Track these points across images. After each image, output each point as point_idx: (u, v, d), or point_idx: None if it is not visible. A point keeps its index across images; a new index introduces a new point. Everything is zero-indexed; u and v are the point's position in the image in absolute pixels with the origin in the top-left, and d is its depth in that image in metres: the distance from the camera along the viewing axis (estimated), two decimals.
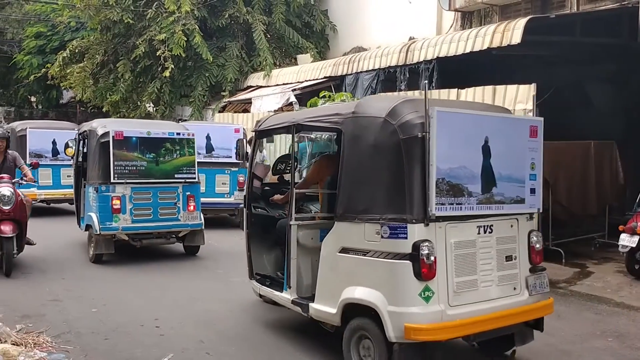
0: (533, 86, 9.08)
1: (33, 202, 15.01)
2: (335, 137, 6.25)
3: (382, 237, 4.56)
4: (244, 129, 13.11)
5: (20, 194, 8.27)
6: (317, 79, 15.06)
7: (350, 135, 4.98)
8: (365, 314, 4.69)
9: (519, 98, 9.27)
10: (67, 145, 12.55)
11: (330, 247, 5.04)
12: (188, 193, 9.40)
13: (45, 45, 29.59)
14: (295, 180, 5.83)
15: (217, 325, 6.30)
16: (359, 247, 4.75)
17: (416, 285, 4.38)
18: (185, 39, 17.36)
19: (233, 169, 12.57)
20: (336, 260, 4.97)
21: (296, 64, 17.90)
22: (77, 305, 6.88)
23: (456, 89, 10.31)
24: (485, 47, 10.37)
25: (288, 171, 6.86)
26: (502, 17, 13.13)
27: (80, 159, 10.35)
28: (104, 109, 21.74)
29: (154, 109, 20.46)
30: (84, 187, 9.88)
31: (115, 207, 8.79)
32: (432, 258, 4.40)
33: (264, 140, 6.82)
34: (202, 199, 12.06)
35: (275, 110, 14.50)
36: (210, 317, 6.56)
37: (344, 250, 4.88)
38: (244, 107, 17.05)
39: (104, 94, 20.70)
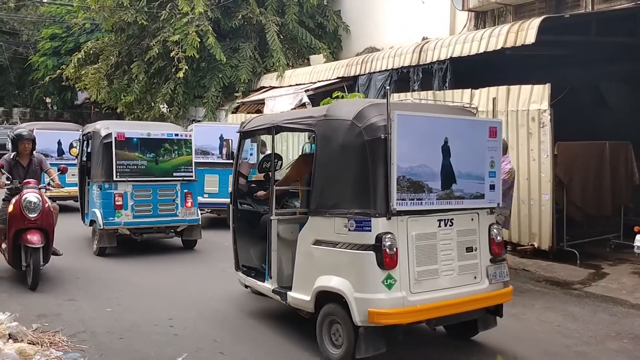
0: (547, 86, 9.03)
1: None
2: None
3: (349, 230, 4.98)
4: None
5: (48, 200, 7.69)
6: (329, 80, 15.06)
7: (322, 136, 5.42)
8: (335, 301, 5.10)
9: (533, 98, 9.23)
10: (71, 146, 14.03)
11: (305, 239, 5.46)
12: (186, 190, 9.92)
13: (60, 47, 29.87)
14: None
15: (230, 324, 6.33)
16: (330, 239, 5.17)
17: (379, 274, 4.79)
18: (199, 40, 17.44)
19: None
20: (310, 252, 5.38)
21: (309, 65, 17.92)
22: (92, 304, 6.94)
23: (470, 89, 10.28)
24: (499, 47, 10.32)
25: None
26: (516, 17, 13.06)
27: (84, 159, 10.96)
28: (118, 110, 21.90)
29: (168, 109, 20.57)
30: (88, 185, 10.33)
31: (117, 203, 9.40)
32: (394, 249, 4.82)
33: (249, 140, 7.21)
34: (216, 199, 12.26)
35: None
36: (223, 316, 6.59)
37: (317, 242, 5.30)
38: (257, 107, 17.09)
39: (118, 95, 20.85)
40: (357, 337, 4.89)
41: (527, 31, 9.77)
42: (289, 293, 5.67)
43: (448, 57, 11.48)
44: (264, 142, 11.95)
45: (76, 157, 11.98)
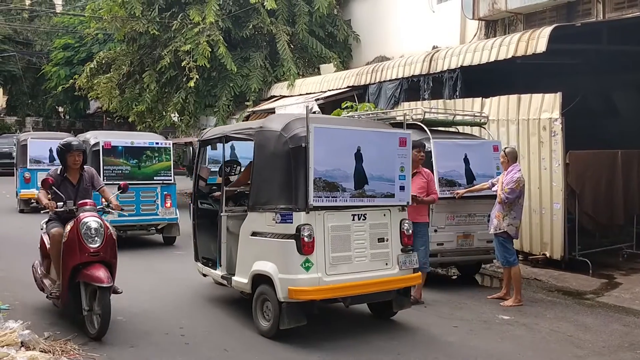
0: (558, 95, 9.01)
1: (32, 202, 15.71)
2: None
3: (276, 222, 6.01)
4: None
5: (109, 226, 6.26)
6: (340, 89, 15.09)
7: (258, 145, 6.50)
8: (266, 282, 6.07)
9: (544, 107, 9.21)
10: None
11: (245, 231, 6.45)
12: (165, 192, 11.12)
13: (73, 57, 30.19)
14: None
15: (240, 332, 6.33)
16: (263, 230, 6.20)
17: (299, 258, 5.77)
18: (210, 49, 17.53)
19: None
20: (248, 242, 6.38)
21: (319, 74, 17.96)
22: None
23: (480, 98, 10.28)
24: (510, 56, 10.30)
25: (234, 173, 8.29)
26: (526, 26, 13.05)
27: None
28: (129, 119, 22.03)
29: (179, 119, 20.67)
30: None
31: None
32: (312, 238, 5.79)
33: (208, 147, 8.22)
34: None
35: None
36: (233, 324, 6.60)
37: (254, 233, 6.31)
38: (268, 116, 17.14)
39: (130, 104, 20.97)
40: (281, 312, 5.83)
41: (538, 40, 9.75)
42: (233, 278, 6.63)
43: (458, 66, 11.48)
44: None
45: None
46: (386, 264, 6.28)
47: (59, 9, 36.85)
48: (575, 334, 6.50)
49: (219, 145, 7.59)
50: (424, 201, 7.51)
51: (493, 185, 7.89)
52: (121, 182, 7.21)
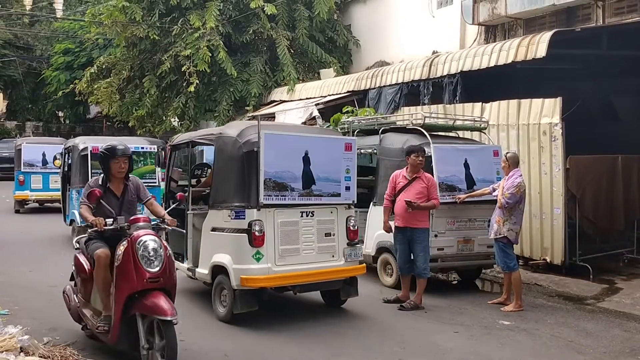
0: (559, 100, 9.02)
1: (26, 203, 16.84)
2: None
3: (231, 218, 6.70)
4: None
5: (167, 246, 5.34)
6: (340, 94, 15.11)
7: (217, 149, 7.17)
8: (222, 272, 6.73)
9: (544, 112, 9.21)
10: (55, 158, 16.59)
11: (206, 227, 7.12)
12: (150, 195, 11.07)
13: (73, 62, 30.20)
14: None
15: (240, 339, 6.31)
16: (220, 226, 6.87)
17: (250, 250, 6.44)
18: (210, 54, 17.57)
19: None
20: (209, 236, 7.05)
21: (319, 79, 17.98)
22: None
23: (480, 103, 10.28)
24: (509, 61, 10.31)
25: (205, 175, 8.84)
26: (526, 31, 13.08)
27: (65, 169, 12.67)
28: (129, 124, 22.07)
29: (179, 123, 20.70)
30: (69, 191, 12.06)
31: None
32: (262, 232, 6.45)
33: (177, 152, 8.89)
34: None
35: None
36: (233, 331, 6.57)
37: (213, 229, 6.99)
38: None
39: (130, 109, 21.01)
40: (235, 298, 6.53)
41: (537, 45, 9.76)
42: (197, 269, 7.29)
43: (458, 70, 11.49)
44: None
45: (59, 168, 14.25)
46: (332, 256, 6.94)
47: (59, 14, 36.92)
48: (576, 339, 6.49)
49: (210, 151, 8.18)
50: (420, 207, 7.49)
51: (494, 190, 7.88)
52: (178, 194, 6.76)
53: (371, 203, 8.98)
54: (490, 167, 8.48)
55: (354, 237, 7.11)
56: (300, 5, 19.17)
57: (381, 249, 8.69)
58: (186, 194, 7.59)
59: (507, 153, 8.04)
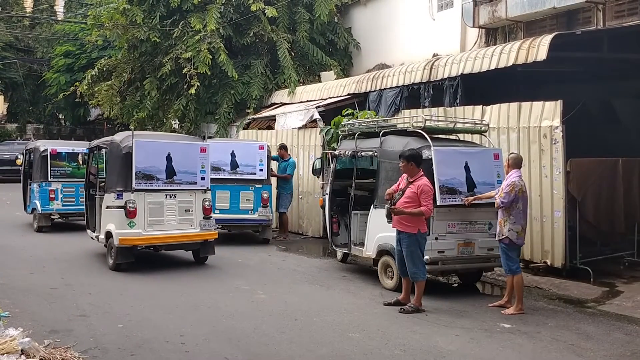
0: (559, 103, 9.03)
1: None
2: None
3: (115, 199, 9.60)
4: (268, 145, 13.19)
5: None
6: (340, 96, 15.09)
7: (109, 151, 10.28)
8: (111, 236, 9.56)
9: (544, 115, 9.22)
10: (16, 158, 20.13)
11: (103, 206, 10.06)
12: None
13: (74, 64, 30.22)
14: None
15: (241, 341, 6.31)
16: (110, 204, 9.78)
17: (126, 220, 9.42)
18: (211, 57, 17.55)
19: (257, 186, 12.60)
20: (105, 212, 9.96)
21: (320, 81, 17.97)
22: (103, 320, 6.95)
23: (481, 106, 10.29)
24: (510, 64, 10.30)
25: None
26: (526, 34, 13.08)
27: (27, 167, 15.25)
28: (130, 126, 22.04)
29: (180, 125, 20.69)
30: (30, 185, 14.67)
31: (51, 196, 13.82)
32: (134, 208, 9.41)
33: (93, 153, 11.66)
34: (227, 216, 12.32)
35: (298, 128, 14.59)
36: (234, 333, 6.58)
37: (107, 207, 9.88)
38: (268, 123, 17.14)
39: (131, 111, 20.98)
40: (117, 253, 9.46)
41: (538, 48, 9.76)
42: (99, 236, 10.16)
43: (459, 73, 11.48)
44: (284, 146, 13.80)
45: (21, 166, 16.85)
46: (191, 225, 9.89)
47: (60, 16, 36.94)
48: (576, 342, 6.48)
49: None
50: (403, 212, 7.49)
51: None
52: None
53: (372, 206, 8.98)
54: (490, 170, 8.50)
55: (208, 213, 10.02)
56: (301, 7, 19.15)
57: (382, 252, 8.69)
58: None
59: (510, 154, 8.07)
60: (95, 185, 11.24)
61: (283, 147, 13.68)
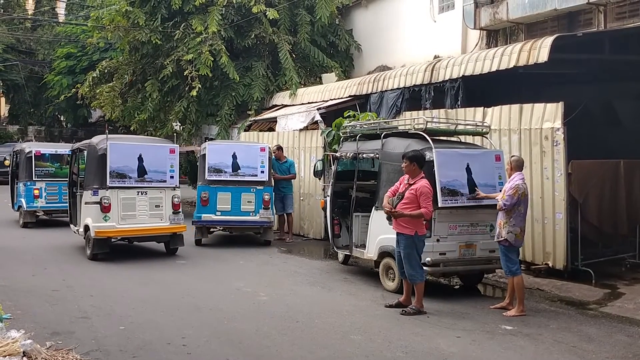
0: (560, 104, 9.03)
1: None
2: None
3: (91, 195, 10.51)
4: (269, 147, 13.20)
5: None
6: (342, 98, 15.09)
7: (88, 153, 11.25)
8: (89, 229, 10.45)
9: (546, 116, 9.22)
10: (4, 159, 21.74)
11: (83, 202, 10.90)
12: None
13: (75, 66, 30.26)
14: None
15: (243, 343, 6.32)
16: (87, 200, 10.67)
17: (101, 215, 10.34)
18: (212, 59, 17.56)
19: (258, 188, 12.60)
20: (84, 207, 10.86)
21: (321, 83, 17.98)
22: (105, 322, 6.95)
23: (482, 108, 10.29)
24: (511, 66, 10.30)
25: None
26: (528, 36, 13.07)
27: (14, 167, 16.37)
28: (131, 128, 22.06)
29: (181, 127, 20.69)
30: (16, 184, 15.85)
31: (36, 194, 14.87)
32: (109, 203, 10.33)
33: (75, 154, 12.63)
34: (228, 217, 12.32)
35: (300, 129, 14.59)
36: (236, 335, 6.58)
37: (85, 203, 10.76)
38: (269, 125, 17.14)
39: (132, 113, 20.99)
40: (93, 244, 10.42)
41: (539, 49, 9.76)
42: (78, 229, 11.19)
43: (460, 75, 11.48)
44: (281, 147, 13.91)
45: (8, 167, 18.36)
46: (161, 219, 10.80)
47: (61, 18, 37.00)
48: (578, 344, 6.48)
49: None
50: (404, 215, 7.50)
51: None
52: None
53: (373, 207, 8.98)
54: (492, 172, 8.50)
55: (177, 208, 10.90)
56: (302, 9, 19.16)
57: (383, 254, 8.69)
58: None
59: (512, 157, 8.08)
60: (77, 183, 12.09)
61: (280, 149, 13.69)
